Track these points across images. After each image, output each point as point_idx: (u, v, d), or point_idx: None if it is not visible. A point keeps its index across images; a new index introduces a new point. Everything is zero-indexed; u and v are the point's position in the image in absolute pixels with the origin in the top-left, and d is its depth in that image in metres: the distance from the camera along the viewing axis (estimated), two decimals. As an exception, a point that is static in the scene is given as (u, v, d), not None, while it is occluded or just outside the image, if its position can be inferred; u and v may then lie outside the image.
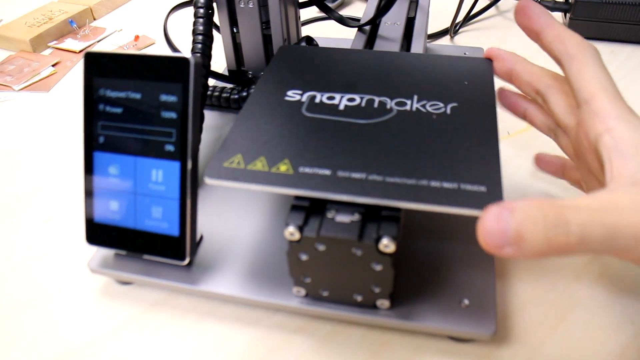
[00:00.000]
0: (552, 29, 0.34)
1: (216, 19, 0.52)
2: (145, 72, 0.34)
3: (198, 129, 0.34)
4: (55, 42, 0.78)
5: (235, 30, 0.52)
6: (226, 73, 0.57)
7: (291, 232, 0.31)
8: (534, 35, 0.36)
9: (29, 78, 0.70)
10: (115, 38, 0.78)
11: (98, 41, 0.78)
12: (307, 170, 0.32)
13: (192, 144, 0.34)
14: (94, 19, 0.85)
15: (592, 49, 0.33)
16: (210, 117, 0.52)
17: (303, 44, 0.50)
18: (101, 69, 0.35)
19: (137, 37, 0.76)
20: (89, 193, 0.37)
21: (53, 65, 0.72)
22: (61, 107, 0.64)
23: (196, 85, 0.33)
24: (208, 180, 0.32)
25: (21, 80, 0.69)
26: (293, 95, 0.38)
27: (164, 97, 0.34)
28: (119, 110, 0.35)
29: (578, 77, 0.32)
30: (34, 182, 0.52)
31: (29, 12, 0.84)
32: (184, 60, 0.33)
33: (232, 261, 0.38)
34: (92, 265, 0.39)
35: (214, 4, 0.50)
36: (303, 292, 0.35)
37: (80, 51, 0.76)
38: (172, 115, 0.34)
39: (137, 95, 0.34)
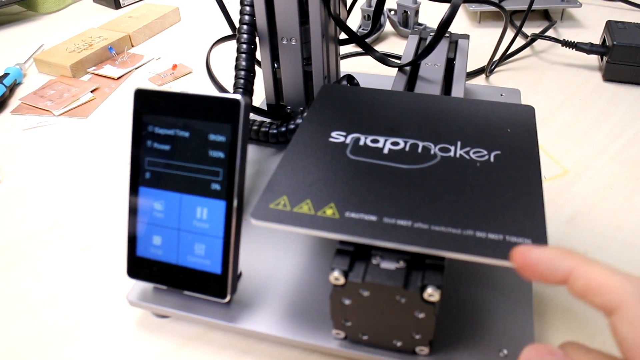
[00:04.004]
0: (577, 278, 0.25)
1: (258, 54, 0.52)
2: (195, 112, 0.35)
3: (245, 169, 0.35)
4: (94, 68, 0.80)
5: (276, 65, 0.53)
6: (264, 106, 0.58)
7: (336, 277, 0.31)
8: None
9: (69, 103, 0.71)
10: (153, 66, 0.80)
11: (136, 68, 0.80)
12: (353, 215, 0.32)
13: (238, 184, 0.34)
14: (132, 46, 0.87)
15: (636, 290, 0.23)
16: (248, 151, 0.53)
17: (344, 82, 0.50)
18: (151, 106, 0.36)
19: (175, 66, 0.77)
20: (132, 227, 0.38)
21: (92, 91, 0.74)
22: (100, 133, 0.65)
23: (245, 127, 0.34)
24: (254, 222, 0.32)
25: (61, 105, 0.71)
26: (337, 136, 0.38)
27: (212, 137, 0.34)
28: (166, 147, 0.36)
29: (627, 339, 0.23)
30: (73, 209, 0.53)
31: (69, 38, 0.86)
32: (235, 102, 0.33)
33: (270, 299, 0.38)
34: (130, 297, 0.39)
35: (257, 40, 0.51)
36: (342, 334, 0.35)
37: (119, 78, 0.77)
38: (220, 154, 0.34)
39: (186, 134, 0.35)
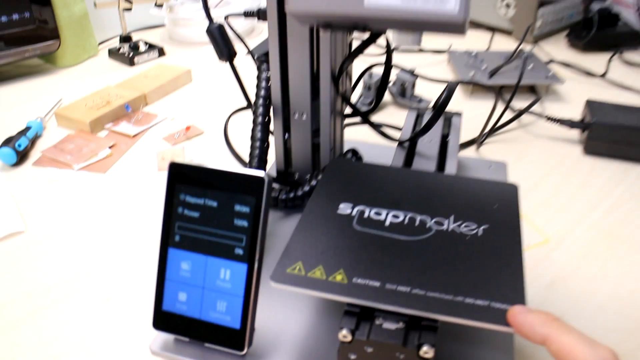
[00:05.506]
0: (552, 344, 0.31)
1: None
2: (223, 185, 0.40)
3: (265, 236, 0.40)
4: (111, 124, 0.86)
5: (287, 136, 0.59)
6: (274, 171, 0.63)
7: (344, 334, 0.35)
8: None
9: (88, 158, 0.76)
10: (167, 125, 0.86)
11: (150, 127, 0.85)
12: (360, 281, 0.37)
13: (260, 249, 0.39)
14: (147, 104, 0.93)
15: (596, 355, 0.29)
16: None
17: (349, 155, 0.56)
18: (183, 177, 0.41)
19: (188, 128, 0.83)
20: (160, 283, 0.42)
21: (109, 147, 0.79)
22: (118, 189, 0.70)
23: (267, 200, 0.39)
24: (274, 284, 0.37)
25: (80, 160, 0.76)
26: (344, 208, 0.44)
27: (237, 207, 0.39)
28: (196, 214, 0.41)
29: None
30: (94, 260, 0.57)
31: (88, 94, 0.92)
32: (260, 179, 0.39)
33: (282, 353, 0.42)
34: (153, 347, 0.43)
35: (271, 112, 0.57)
36: (346, 386, 0.39)
37: (135, 136, 0.83)
38: (244, 223, 0.39)
39: (214, 203, 0.40)
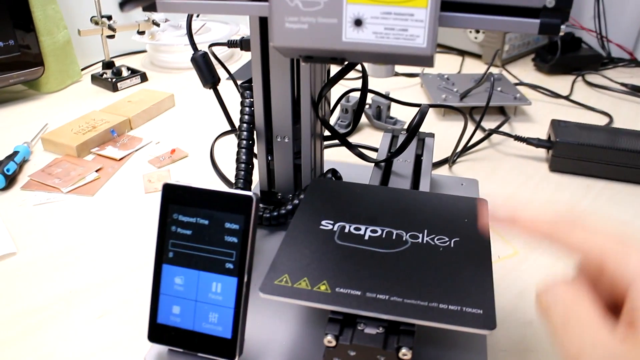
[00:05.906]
0: (518, 225, 0.37)
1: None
2: (214, 204, 0.43)
3: (254, 251, 0.43)
4: (97, 148, 0.88)
5: (270, 158, 0.62)
6: (257, 191, 0.66)
7: (329, 340, 0.39)
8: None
9: (76, 182, 0.79)
10: (152, 148, 0.88)
11: (136, 150, 0.88)
12: (342, 290, 0.40)
13: (249, 263, 0.42)
14: (131, 129, 0.95)
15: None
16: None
17: (329, 175, 0.59)
18: (176, 197, 0.44)
19: (173, 151, 0.86)
20: (154, 298, 0.45)
21: (96, 171, 0.82)
22: (106, 211, 0.72)
23: (255, 218, 0.42)
24: (263, 295, 0.40)
25: (68, 183, 0.78)
26: (326, 224, 0.47)
27: (228, 225, 0.43)
28: (188, 232, 0.44)
29: (573, 245, 0.33)
30: (86, 279, 0.60)
31: (74, 119, 0.94)
32: (249, 198, 0.42)
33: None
34: (148, 359, 0.46)
35: (255, 135, 0.60)
36: (331, 390, 0.42)
37: (121, 159, 0.85)
38: (234, 239, 0.42)
39: (205, 222, 0.43)
